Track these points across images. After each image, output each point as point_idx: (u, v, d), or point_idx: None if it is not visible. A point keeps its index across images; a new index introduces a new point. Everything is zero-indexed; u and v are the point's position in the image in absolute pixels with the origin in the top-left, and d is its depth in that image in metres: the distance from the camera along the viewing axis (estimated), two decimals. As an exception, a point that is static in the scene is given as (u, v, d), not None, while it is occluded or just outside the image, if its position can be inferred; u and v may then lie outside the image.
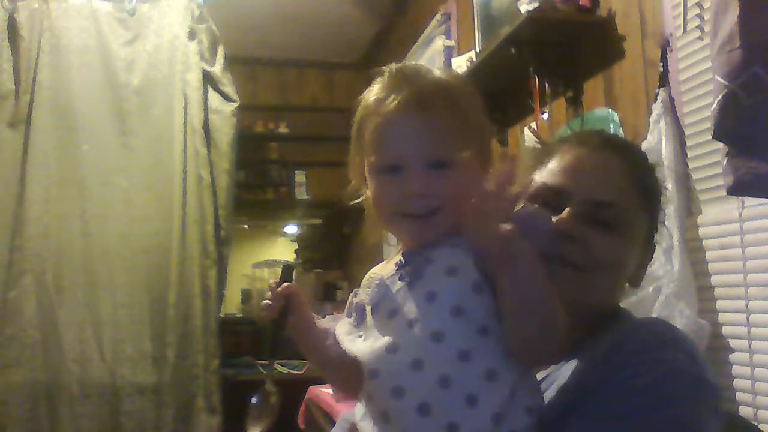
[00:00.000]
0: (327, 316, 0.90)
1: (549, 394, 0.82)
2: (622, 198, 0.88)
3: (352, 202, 0.87)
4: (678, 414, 0.73)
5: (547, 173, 0.91)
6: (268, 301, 0.85)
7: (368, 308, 0.80)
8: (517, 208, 0.71)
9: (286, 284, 0.85)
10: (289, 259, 5.11)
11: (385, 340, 0.75)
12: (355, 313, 0.83)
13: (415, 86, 0.78)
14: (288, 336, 0.87)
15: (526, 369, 0.75)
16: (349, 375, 0.80)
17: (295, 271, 0.89)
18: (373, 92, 0.81)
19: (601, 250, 0.85)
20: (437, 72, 0.82)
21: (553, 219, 0.85)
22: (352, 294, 0.86)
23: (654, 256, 0.96)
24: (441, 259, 0.76)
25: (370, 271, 0.85)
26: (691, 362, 0.77)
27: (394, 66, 0.82)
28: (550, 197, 0.88)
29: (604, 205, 0.86)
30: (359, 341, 0.79)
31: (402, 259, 0.80)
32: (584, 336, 0.85)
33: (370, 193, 0.82)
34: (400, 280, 0.78)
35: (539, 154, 0.94)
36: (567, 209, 0.86)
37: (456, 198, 0.76)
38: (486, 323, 0.73)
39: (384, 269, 0.83)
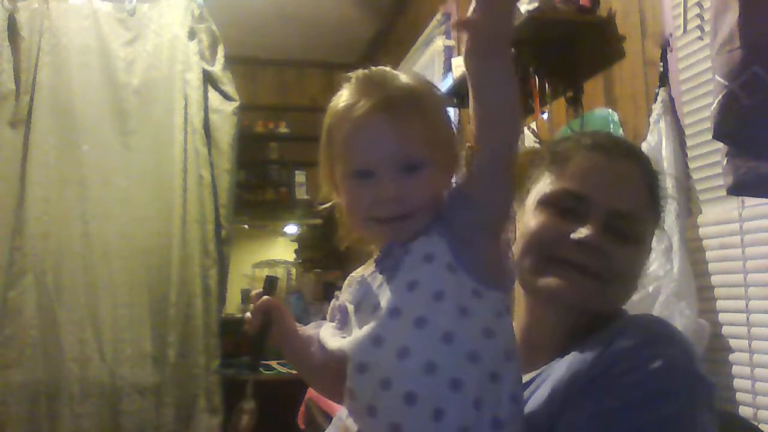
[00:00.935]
0: (310, 323, 0.91)
1: (543, 390, 0.82)
2: (640, 209, 0.89)
3: (323, 206, 0.87)
4: (672, 409, 0.73)
5: (567, 178, 0.90)
6: (249, 314, 0.88)
7: (351, 307, 0.81)
8: None
9: (266, 297, 0.88)
10: (288, 258, 5.12)
11: (368, 330, 0.75)
12: (338, 314, 0.83)
13: (383, 91, 0.78)
14: (272, 346, 0.88)
15: (510, 353, 0.75)
16: (335, 379, 0.81)
17: (278, 282, 0.91)
18: (341, 98, 0.81)
19: (620, 261, 0.86)
20: (404, 77, 0.82)
21: (581, 231, 0.85)
22: (333, 298, 0.87)
23: (653, 256, 0.97)
24: (417, 247, 0.77)
25: (351, 274, 0.85)
26: (686, 358, 0.78)
27: (360, 71, 0.83)
28: (572, 203, 0.88)
29: (625, 217, 0.87)
30: (344, 341, 0.79)
31: (380, 253, 0.81)
32: (582, 335, 0.85)
33: (342, 199, 0.82)
34: (380, 273, 0.79)
35: (553, 156, 0.94)
36: (591, 222, 0.86)
37: (428, 199, 0.77)
38: (464, 303, 0.74)
39: (365, 270, 0.83)
